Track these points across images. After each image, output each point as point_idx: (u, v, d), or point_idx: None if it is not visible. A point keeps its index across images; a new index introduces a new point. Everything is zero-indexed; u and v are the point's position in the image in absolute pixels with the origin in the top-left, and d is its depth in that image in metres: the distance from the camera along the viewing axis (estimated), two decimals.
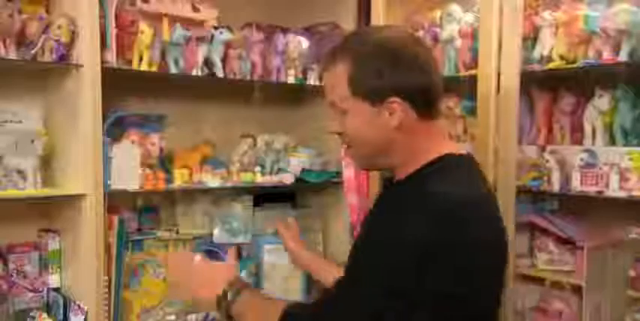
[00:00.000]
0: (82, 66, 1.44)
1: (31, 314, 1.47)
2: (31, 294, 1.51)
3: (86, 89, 1.44)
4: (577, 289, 1.52)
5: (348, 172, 1.90)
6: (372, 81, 1.02)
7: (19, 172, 1.45)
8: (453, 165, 1.05)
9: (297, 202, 2.14)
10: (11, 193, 1.42)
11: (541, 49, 1.54)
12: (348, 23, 1.99)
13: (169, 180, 1.68)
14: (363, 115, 1.03)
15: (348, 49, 1.05)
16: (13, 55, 1.37)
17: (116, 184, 1.53)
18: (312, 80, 1.94)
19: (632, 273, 1.49)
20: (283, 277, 1.89)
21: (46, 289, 1.54)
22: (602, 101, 1.50)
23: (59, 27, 1.40)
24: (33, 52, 1.40)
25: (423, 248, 0.90)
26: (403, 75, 1.02)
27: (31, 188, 1.45)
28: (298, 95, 2.14)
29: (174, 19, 1.65)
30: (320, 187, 1.96)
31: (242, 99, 2.00)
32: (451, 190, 0.96)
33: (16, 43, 1.38)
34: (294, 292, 1.86)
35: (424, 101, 1.05)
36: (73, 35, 1.43)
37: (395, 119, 1.03)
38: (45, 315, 1.49)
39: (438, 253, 0.90)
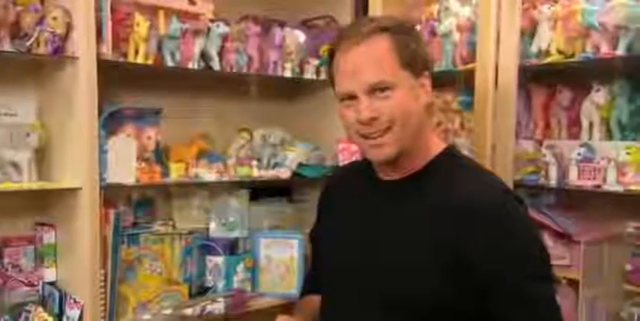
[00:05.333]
0: (77, 58, 1.42)
1: (27, 308, 1.47)
2: (26, 288, 1.50)
3: (82, 82, 1.43)
4: (573, 284, 1.52)
5: None
6: (417, 51, 1.01)
7: (14, 165, 1.45)
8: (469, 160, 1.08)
9: (294, 196, 2.13)
10: (6, 185, 1.41)
11: (539, 43, 1.53)
12: (345, 17, 1.98)
13: (165, 174, 1.67)
14: (408, 89, 0.99)
15: (378, 26, 0.99)
16: (7, 46, 1.36)
17: (112, 178, 1.52)
18: (309, 74, 1.93)
19: (628, 267, 1.49)
20: (279, 270, 1.89)
21: (41, 283, 1.53)
22: (599, 95, 1.50)
23: (54, 19, 1.39)
24: (28, 44, 1.39)
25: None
26: (428, 51, 1.04)
27: (26, 181, 1.44)
28: (295, 89, 2.13)
29: (170, 12, 1.63)
30: (316, 181, 1.95)
31: (238, 93, 2.00)
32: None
33: (10, 35, 1.37)
34: (290, 285, 1.86)
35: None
36: (69, 27, 1.42)
37: (426, 95, 1.02)
38: (40, 309, 1.48)
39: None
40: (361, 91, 0.98)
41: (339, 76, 1.01)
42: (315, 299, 1.18)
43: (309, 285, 1.28)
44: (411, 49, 1.00)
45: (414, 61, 1.00)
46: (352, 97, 1.00)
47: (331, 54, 1.04)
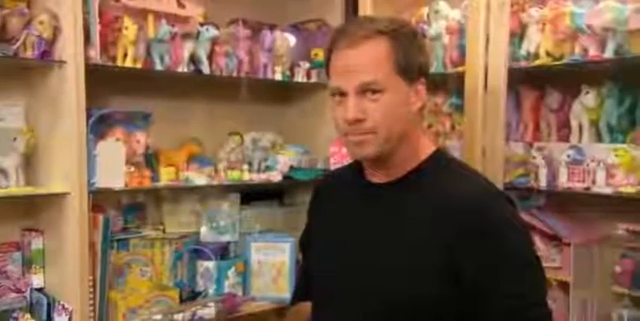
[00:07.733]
0: (65, 62, 1.41)
1: (14, 315, 1.45)
2: (13, 294, 1.49)
3: (69, 86, 1.42)
4: (564, 286, 1.52)
5: None
6: (413, 58, 1.01)
7: (1, 170, 1.43)
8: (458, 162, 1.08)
9: (285, 199, 2.13)
10: None
11: (528, 46, 1.54)
12: (335, 20, 1.98)
13: (155, 178, 1.66)
14: (400, 94, 0.99)
15: (380, 28, 0.99)
16: None
17: (101, 183, 1.51)
18: (300, 77, 1.93)
19: (618, 269, 1.49)
20: (271, 274, 1.88)
21: (29, 290, 1.52)
22: (588, 98, 1.50)
23: (41, 22, 1.38)
24: (14, 48, 1.38)
25: None
26: (427, 57, 1.05)
27: (14, 186, 1.43)
28: (285, 92, 2.13)
29: (159, 16, 1.63)
30: (308, 184, 1.95)
31: (229, 96, 1.99)
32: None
33: None
34: (282, 289, 1.86)
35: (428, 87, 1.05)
36: (56, 31, 1.41)
37: (419, 101, 1.02)
38: (28, 315, 1.47)
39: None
40: (352, 89, 0.98)
41: (333, 72, 1.02)
42: (307, 306, 1.17)
43: (300, 292, 1.27)
44: (408, 55, 1.00)
45: (409, 67, 1.00)
46: (343, 93, 1.00)
47: (329, 51, 1.04)
